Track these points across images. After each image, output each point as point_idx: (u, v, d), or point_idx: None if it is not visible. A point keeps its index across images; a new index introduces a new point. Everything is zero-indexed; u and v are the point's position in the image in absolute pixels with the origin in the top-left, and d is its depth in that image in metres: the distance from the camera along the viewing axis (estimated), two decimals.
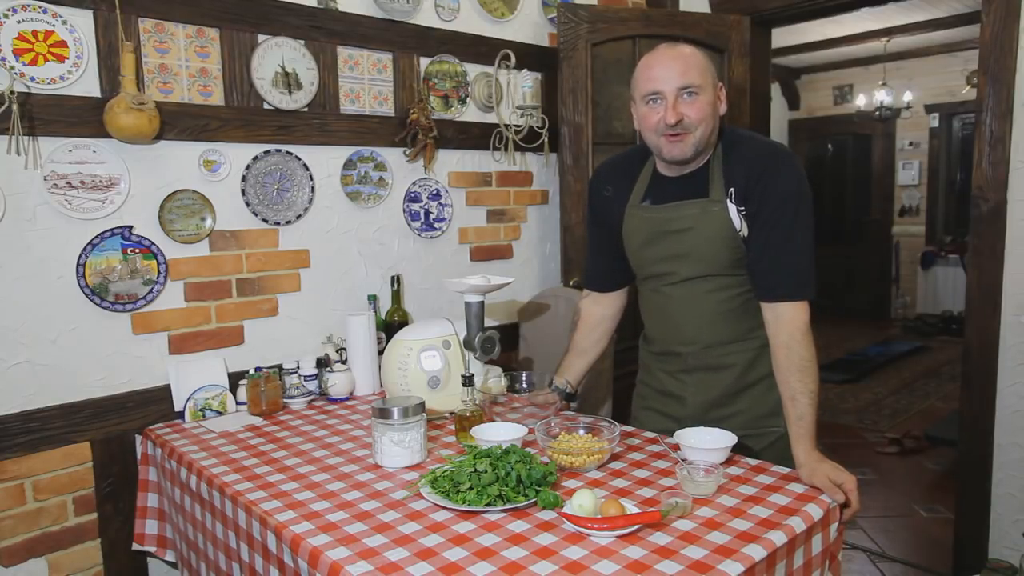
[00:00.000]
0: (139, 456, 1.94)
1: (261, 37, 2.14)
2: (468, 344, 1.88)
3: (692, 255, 1.63)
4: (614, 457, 1.58)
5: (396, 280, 2.45)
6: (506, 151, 2.78)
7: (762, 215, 1.55)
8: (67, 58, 1.81)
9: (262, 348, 2.20)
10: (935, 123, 7.62)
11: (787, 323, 1.52)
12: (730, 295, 1.64)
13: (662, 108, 1.55)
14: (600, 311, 1.92)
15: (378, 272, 2.46)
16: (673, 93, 1.53)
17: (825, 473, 1.38)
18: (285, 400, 2.08)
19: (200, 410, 2.00)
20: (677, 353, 1.73)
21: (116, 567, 1.96)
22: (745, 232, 1.57)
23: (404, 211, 2.52)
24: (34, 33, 1.76)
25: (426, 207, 2.57)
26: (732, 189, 1.58)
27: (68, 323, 1.86)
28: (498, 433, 1.61)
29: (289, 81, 2.19)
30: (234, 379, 2.09)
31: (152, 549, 1.92)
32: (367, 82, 2.40)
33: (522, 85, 2.68)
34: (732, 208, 1.57)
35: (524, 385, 1.93)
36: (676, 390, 1.75)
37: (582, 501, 1.25)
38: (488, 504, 1.31)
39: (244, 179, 2.13)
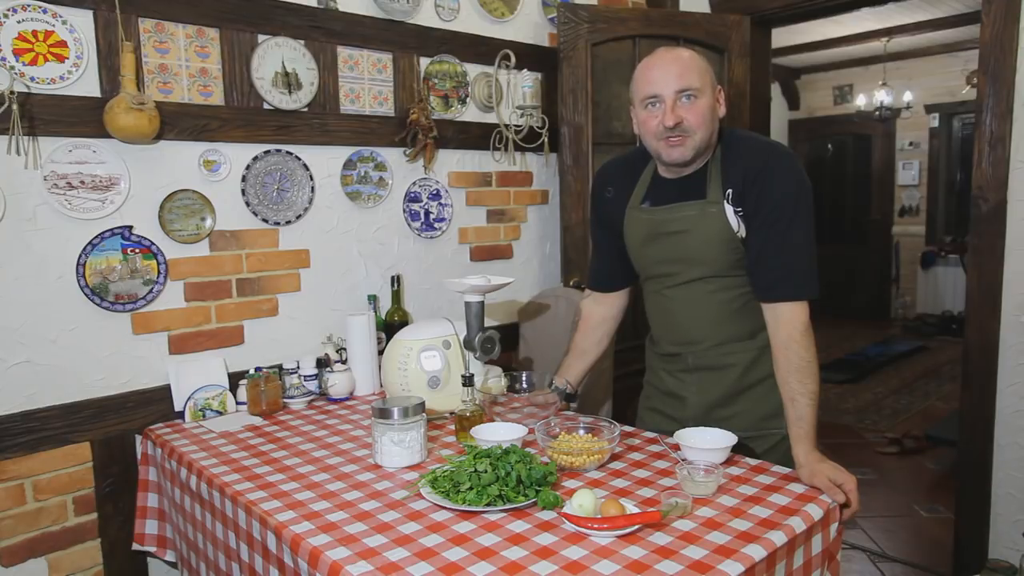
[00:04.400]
0: (139, 456, 1.94)
1: (261, 37, 2.14)
2: (468, 344, 1.88)
3: (691, 257, 1.63)
4: (614, 457, 1.57)
5: (396, 280, 2.45)
6: (506, 151, 2.78)
7: (759, 215, 1.54)
8: (67, 58, 1.81)
9: (262, 348, 2.20)
10: (935, 123, 7.62)
11: (786, 323, 1.51)
12: (731, 296, 1.64)
13: (660, 112, 1.54)
14: (602, 311, 1.92)
15: (378, 272, 2.46)
16: (671, 96, 1.53)
17: (825, 473, 1.37)
18: (285, 400, 2.08)
19: (200, 410, 2.00)
20: (679, 353, 1.73)
21: (116, 567, 1.96)
22: (743, 233, 1.57)
23: (404, 211, 2.52)
24: (34, 33, 1.76)
25: (426, 207, 2.57)
26: (729, 191, 1.57)
27: (68, 323, 1.86)
28: (498, 433, 1.61)
29: (289, 81, 2.19)
30: (234, 379, 2.09)
31: (152, 549, 1.92)
32: (367, 82, 2.40)
33: (522, 85, 2.68)
34: (729, 209, 1.57)
35: (524, 385, 1.93)
36: (678, 390, 1.75)
37: (582, 501, 1.25)
38: (488, 504, 1.31)
39: (244, 179, 2.13)
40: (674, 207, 1.64)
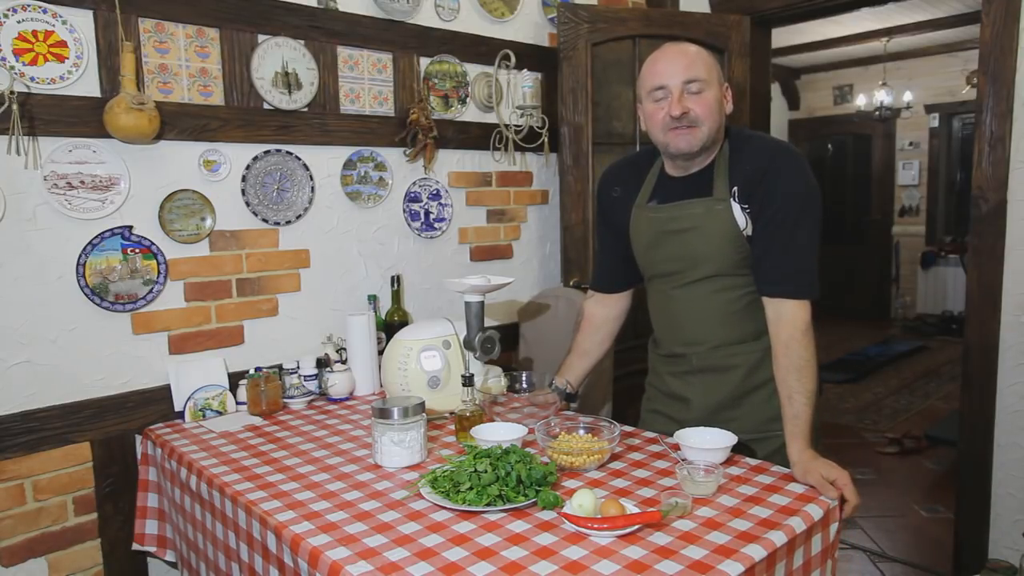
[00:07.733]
0: (139, 456, 1.94)
1: (261, 37, 2.14)
2: (468, 344, 1.88)
3: (696, 255, 1.63)
4: (614, 457, 1.57)
5: (396, 280, 2.45)
6: (506, 151, 2.78)
7: (766, 213, 1.55)
8: (67, 58, 1.80)
9: (262, 348, 2.20)
10: (935, 123, 7.62)
11: (788, 322, 1.51)
12: (735, 296, 1.64)
13: (667, 103, 1.56)
14: (604, 312, 1.92)
15: (378, 272, 2.46)
16: (678, 87, 1.55)
17: (818, 471, 1.37)
18: (285, 400, 2.08)
19: (200, 410, 2.00)
20: (683, 355, 1.73)
21: (116, 567, 1.96)
22: (750, 231, 1.57)
23: (404, 211, 2.52)
24: (34, 33, 1.76)
25: (426, 207, 2.57)
26: (736, 188, 1.58)
27: (68, 323, 1.86)
28: (498, 433, 1.61)
29: (289, 81, 2.19)
30: (234, 379, 2.09)
31: (152, 549, 1.92)
32: (367, 82, 2.40)
33: (522, 85, 2.68)
34: (736, 207, 1.57)
35: (524, 385, 1.93)
36: (682, 392, 1.75)
37: (582, 501, 1.25)
38: (488, 504, 1.31)
39: (244, 179, 2.13)
40: (680, 204, 1.64)
